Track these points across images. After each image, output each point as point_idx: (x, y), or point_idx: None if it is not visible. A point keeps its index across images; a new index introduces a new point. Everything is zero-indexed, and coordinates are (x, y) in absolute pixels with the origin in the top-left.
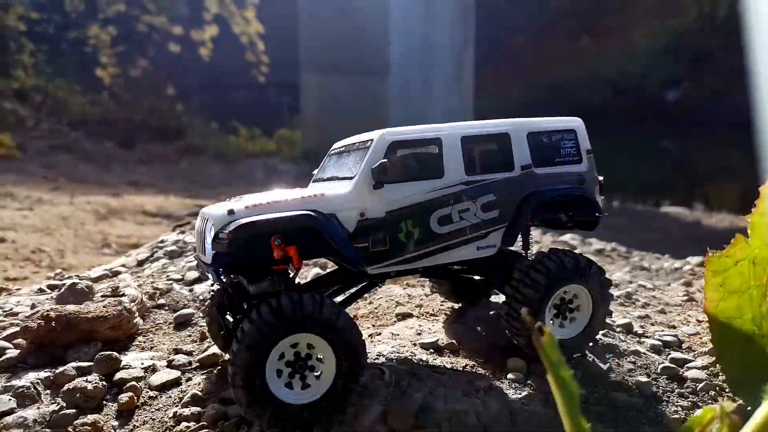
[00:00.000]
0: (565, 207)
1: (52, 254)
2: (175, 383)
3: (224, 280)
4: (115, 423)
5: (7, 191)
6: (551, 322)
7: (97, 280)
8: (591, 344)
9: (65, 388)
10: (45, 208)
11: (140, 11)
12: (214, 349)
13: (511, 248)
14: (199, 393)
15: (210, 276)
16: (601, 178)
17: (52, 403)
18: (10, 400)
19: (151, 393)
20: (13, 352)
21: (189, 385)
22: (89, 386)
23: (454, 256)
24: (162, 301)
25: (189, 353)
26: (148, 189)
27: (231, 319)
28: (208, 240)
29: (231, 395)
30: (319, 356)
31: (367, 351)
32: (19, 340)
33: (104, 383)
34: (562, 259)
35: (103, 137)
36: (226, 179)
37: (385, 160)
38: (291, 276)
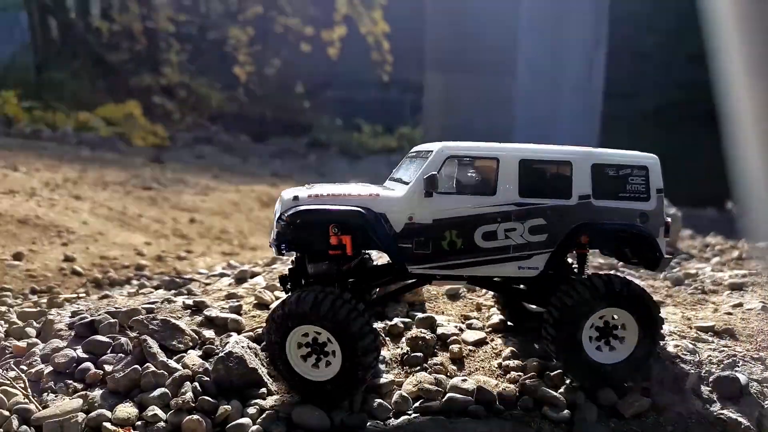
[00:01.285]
0: (626, 242)
1: (236, 235)
2: (483, 342)
3: (284, 255)
4: (453, 367)
5: (180, 177)
6: (591, 343)
7: None
8: (640, 373)
9: (407, 336)
10: (217, 194)
11: (277, 12)
12: (498, 317)
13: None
14: (515, 350)
15: (273, 250)
16: (668, 219)
17: (397, 348)
18: None
19: (469, 347)
20: None
21: (497, 344)
22: (427, 336)
23: (493, 271)
24: None
25: (476, 319)
26: (290, 180)
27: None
28: (275, 219)
29: (546, 352)
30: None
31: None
32: None
33: (433, 335)
34: (606, 282)
35: (239, 131)
36: (353, 174)
37: (436, 173)
38: (345, 263)
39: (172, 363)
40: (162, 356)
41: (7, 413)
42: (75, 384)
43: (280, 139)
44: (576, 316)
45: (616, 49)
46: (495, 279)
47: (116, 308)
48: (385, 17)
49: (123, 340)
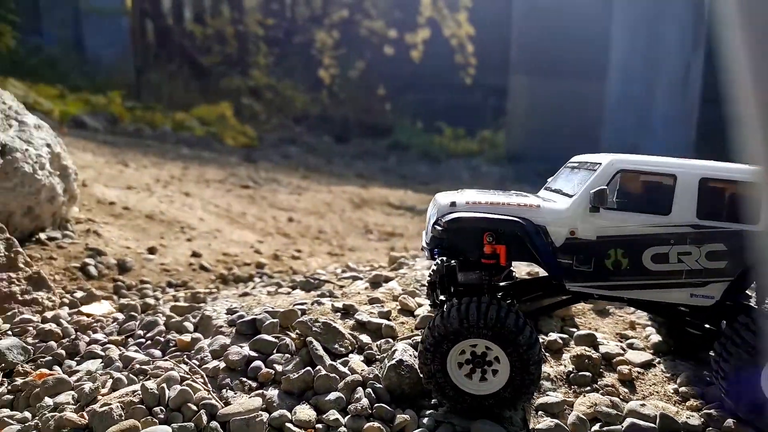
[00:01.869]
0: None
1: (333, 235)
2: (650, 364)
3: (436, 260)
4: (624, 389)
5: (272, 176)
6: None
7: None
8: None
9: (572, 354)
10: (310, 194)
11: (362, 16)
12: (657, 337)
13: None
14: (689, 375)
15: (425, 254)
16: None
17: (559, 365)
18: None
19: (637, 369)
20: None
21: (666, 367)
22: (593, 355)
23: (661, 296)
24: None
25: (635, 338)
26: (376, 181)
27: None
28: (430, 223)
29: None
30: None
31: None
32: None
33: (598, 354)
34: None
35: (322, 132)
36: (434, 177)
37: (605, 187)
38: (497, 273)
39: (340, 367)
40: (328, 359)
41: (195, 408)
42: (249, 382)
43: (362, 141)
44: (754, 353)
45: (716, 52)
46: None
47: (272, 309)
48: (469, 19)
49: (287, 340)
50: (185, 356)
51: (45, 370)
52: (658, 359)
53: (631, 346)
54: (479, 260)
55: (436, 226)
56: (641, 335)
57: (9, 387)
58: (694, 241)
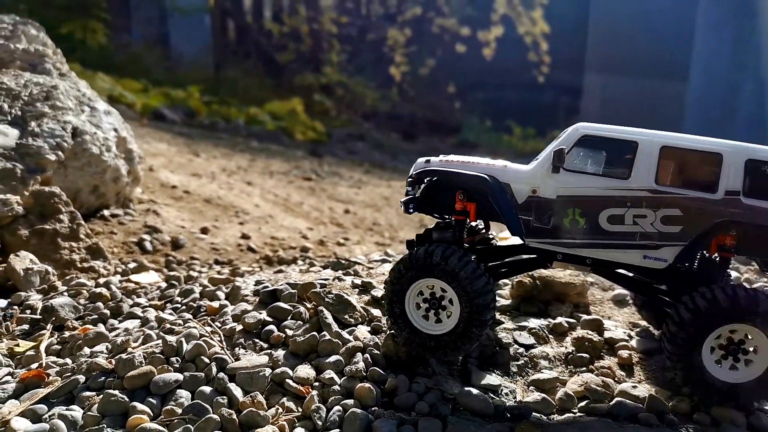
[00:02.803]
0: None
1: (387, 227)
2: (654, 351)
3: (411, 212)
4: (621, 372)
5: (335, 170)
6: (718, 364)
7: None
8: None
9: (574, 336)
10: (369, 188)
11: (435, 14)
12: None
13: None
14: None
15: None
16: None
17: (561, 347)
18: (529, 336)
19: (639, 355)
20: (505, 301)
21: None
22: (594, 338)
23: (616, 256)
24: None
25: (643, 327)
26: None
27: None
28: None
29: None
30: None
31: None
32: (507, 292)
33: (600, 338)
34: (731, 295)
35: (389, 129)
36: None
37: (564, 147)
38: (470, 233)
39: (345, 334)
40: (336, 327)
41: (207, 360)
42: (261, 342)
43: (429, 139)
44: (693, 334)
45: None
46: (630, 275)
47: (294, 281)
48: (544, 16)
49: (302, 309)
50: (209, 319)
51: (89, 326)
52: None
53: (640, 335)
54: (451, 215)
55: (409, 180)
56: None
57: (58, 339)
58: (650, 205)
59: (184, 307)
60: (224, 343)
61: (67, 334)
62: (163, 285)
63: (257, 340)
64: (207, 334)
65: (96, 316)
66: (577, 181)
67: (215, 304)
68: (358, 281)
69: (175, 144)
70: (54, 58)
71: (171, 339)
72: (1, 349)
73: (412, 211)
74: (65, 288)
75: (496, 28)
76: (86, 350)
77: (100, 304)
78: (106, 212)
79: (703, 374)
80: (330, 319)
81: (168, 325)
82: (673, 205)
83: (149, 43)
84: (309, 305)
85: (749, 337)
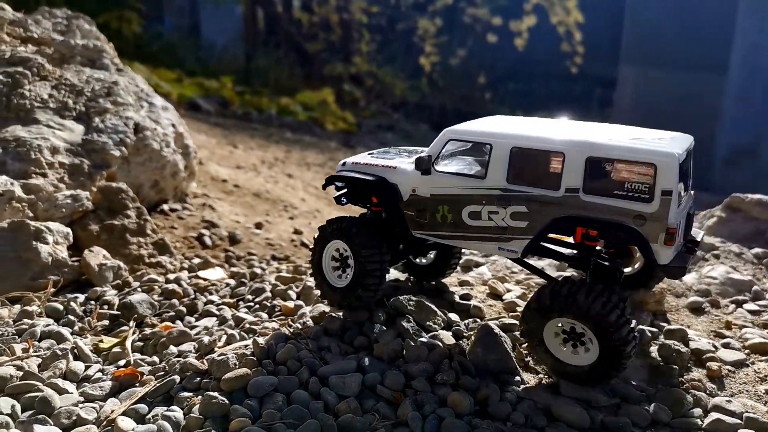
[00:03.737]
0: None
1: None
2: (743, 363)
3: (343, 204)
4: (711, 385)
5: None
6: (564, 348)
7: None
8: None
9: (659, 344)
10: None
11: (466, 3)
12: (757, 339)
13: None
14: None
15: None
16: (673, 225)
17: (647, 358)
18: None
19: (728, 367)
20: None
21: (760, 367)
22: (681, 349)
23: (478, 247)
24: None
25: (730, 338)
26: None
27: None
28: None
29: None
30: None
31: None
32: None
33: (687, 349)
34: (555, 291)
35: (419, 120)
36: None
37: (423, 155)
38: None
39: (430, 340)
40: (419, 333)
41: (299, 363)
42: (345, 346)
43: None
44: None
45: None
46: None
47: None
48: (579, 6)
49: (381, 312)
50: (289, 320)
51: (169, 323)
52: (753, 359)
53: (725, 345)
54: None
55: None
56: (736, 335)
57: (140, 336)
58: (500, 202)
59: (257, 306)
60: (311, 345)
61: (147, 330)
62: (231, 282)
63: (341, 343)
64: (293, 336)
65: (173, 313)
66: (445, 181)
67: (290, 303)
68: (430, 285)
69: (213, 135)
70: (111, 53)
71: (261, 341)
72: (87, 344)
73: (345, 202)
74: (138, 284)
75: (529, 18)
76: (172, 349)
77: (175, 300)
78: (165, 207)
79: (550, 357)
80: (413, 324)
81: (247, 325)
82: (520, 202)
83: (181, 33)
84: (387, 309)
85: (583, 329)
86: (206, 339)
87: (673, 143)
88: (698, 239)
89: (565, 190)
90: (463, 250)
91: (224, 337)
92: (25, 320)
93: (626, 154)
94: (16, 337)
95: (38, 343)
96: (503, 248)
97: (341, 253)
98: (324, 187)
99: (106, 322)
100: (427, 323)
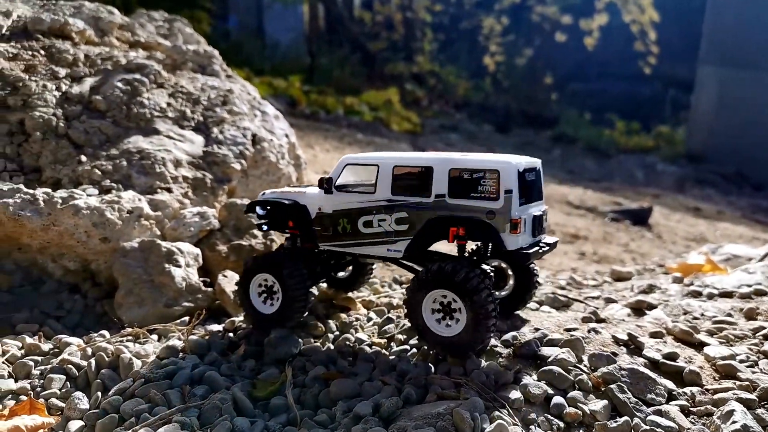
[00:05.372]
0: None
1: None
2: None
3: (264, 231)
4: None
5: None
6: (439, 323)
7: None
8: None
9: None
10: None
11: (535, 1)
12: None
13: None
14: None
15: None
16: (517, 217)
17: None
18: None
19: None
20: None
21: None
22: None
23: (371, 251)
24: None
25: None
26: (544, 176)
27: None
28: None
29: None
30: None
31: None
32: None
33: None
34: (438, 268)
35: (482, 120)
36: (603, 173)
37: (332, 176)
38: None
39: (661, 419)
40: (641, 407)
41: None
42: (556, 421)
43: (523, 131)
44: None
45: None
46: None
47: (547, 333)
48: (654, 4)
49: (584, 376)
50: (464, 380)
51: (332, 371)
52: None
53: None
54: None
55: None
56: None
57: (292, 380)
58: (387, 211)
59: (412, 349)
60: (516, 417)
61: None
62: (373, 316)
63: (549, 416)
64: (492, 404)
65: (323, 356)
66: (344, 199)
67: None
68: (620, 335)
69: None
70: (220, 59)
71: (464, 413)
72: (242, 390)
73: (265, 229)
74: None
75: (600, 16)
76: (340, 404)
77: (317, 343)
78: None
79: (428, 331)
80: (630, 395)
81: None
82: (402, 209)
83: (247, 32)
84: (587, 370)
85: (455, 300)
86: (385, 401)
87: (517, 158)
88: (551, 242)
89: (435, 196)
90: (373, 266)
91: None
92: (172, 358)
93: (478, 165)
94: (168, 380)
95: (191, 388)
96: (391, 249)
97: (267, 286)
98: (245, 212)
99: (252, 362)
100: (648, 396)
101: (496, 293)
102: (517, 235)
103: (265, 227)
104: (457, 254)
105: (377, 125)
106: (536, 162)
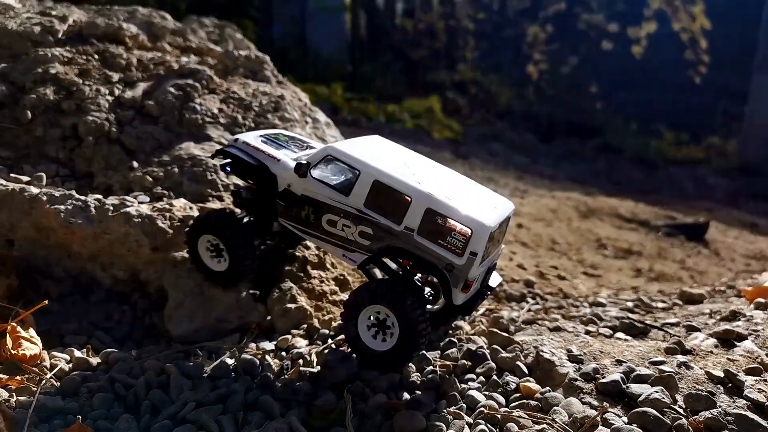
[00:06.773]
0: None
1: (567, 248)
2: None
3: (228, 173)
4: None
5: (489, 175)
6: (375, 338)
7: None
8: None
9: None
10: (532, 198)
11: (581, 9)
12: None
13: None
14: None
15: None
16: (471, 280)
17: None
18: None
19: None
20: None
21: None
22: None
23: (328, 248)
24: None
25: None
26: (589, 186)
27: None
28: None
29: None
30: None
31: None
32: None
33: None
34: (373, 285)
35: (524, 129)
36: (652, 185)
37: (304, 162)
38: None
39: None
40: None
41: None
42: None
43: (567, 141)
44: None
45: None
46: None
47: (633, 367)
48: (706, 12)
49: (683, 421)
50: (547, 419)
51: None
52: None
53: None
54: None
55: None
56: None
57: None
58: (354, 220)
59: (482, 379)
60: None
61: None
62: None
63: None
64: None
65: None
66: (316, 187)
67: (531, 384)
68: (715, 371)
69: None
70: (271, 65)
71: None
72: (296, 417)
73: (229, 171)
74: (330, 332)
75: (649, 24)
76: None
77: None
78: None
79: (359, 343)
80: None
81: (485, 410)
82: (369, 225)
83: (290, 40)
84: (692, 418)
85: (388, 315)
86: None
87: (493, 214)
88: (494, 286)
89: (405, 227)
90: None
91: (466, 429)
92: (224, 379)
93: (454, 215)
94: (220, 404)
95: (244, 414)
96: (347, 256)
97: (214, 244)
98: (213, 156)
99: (308, 385)
100: None
101: (430, 307)
102: (467, 294)
103: (228, 168)
104: (396, 268)
105: (419, 133)
106: (510, 210)
